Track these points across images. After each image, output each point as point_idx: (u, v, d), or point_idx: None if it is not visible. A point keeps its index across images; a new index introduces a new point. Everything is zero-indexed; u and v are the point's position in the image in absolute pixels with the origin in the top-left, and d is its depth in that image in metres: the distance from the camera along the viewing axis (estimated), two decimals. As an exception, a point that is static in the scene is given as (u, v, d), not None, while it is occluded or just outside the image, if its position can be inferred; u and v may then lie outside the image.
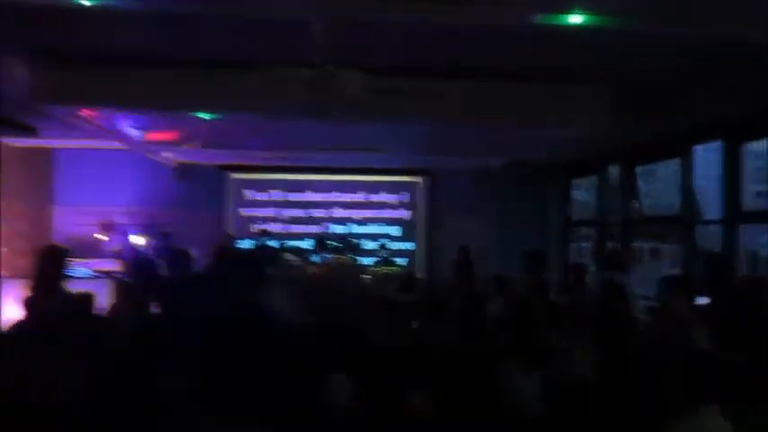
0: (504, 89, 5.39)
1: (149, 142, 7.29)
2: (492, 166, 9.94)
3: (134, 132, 6.64)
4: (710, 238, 7.78)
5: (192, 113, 5.45)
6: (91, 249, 9.74)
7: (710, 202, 8.49)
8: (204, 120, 5.71)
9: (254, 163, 10.28)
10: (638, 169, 9.54)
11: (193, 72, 4.93)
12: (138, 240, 9.49)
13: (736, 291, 4.78)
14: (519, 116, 5.65)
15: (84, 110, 5.49)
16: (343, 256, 9.00)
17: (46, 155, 10.25)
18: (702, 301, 4.42)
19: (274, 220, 10.94)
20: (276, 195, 10.99)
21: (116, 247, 8.99)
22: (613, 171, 9.60)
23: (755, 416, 3.35)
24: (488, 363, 3.30)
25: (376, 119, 5.60)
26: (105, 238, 9.73)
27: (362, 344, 4.23)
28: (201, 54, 4.82)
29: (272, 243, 9.54)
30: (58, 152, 10.34)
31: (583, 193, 12.51)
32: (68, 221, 10.27)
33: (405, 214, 11.14)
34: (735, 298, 4.36)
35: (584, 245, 12.10)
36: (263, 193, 10.99)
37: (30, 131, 8.19)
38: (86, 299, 4.76)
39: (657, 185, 13.71)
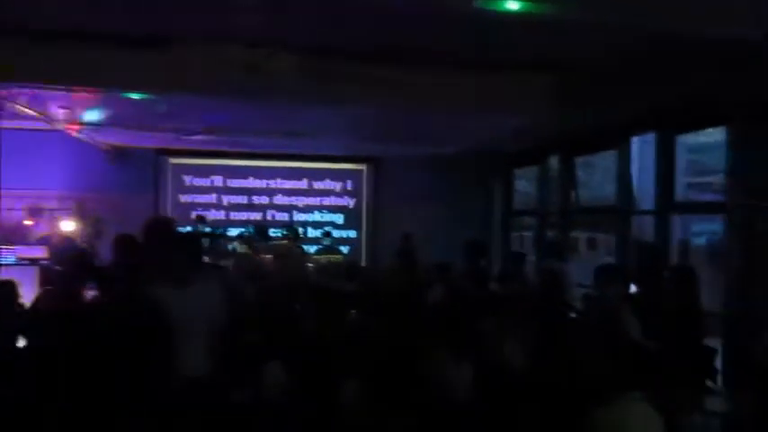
0: (443, 76, 5.33)
1: (77, 123, 6.92)
2: (437, 154, 9.94)
3: (61, 113, 6.29)
4: (646, 228, 8.01)
5: (122, 93, 5.18)
6: (18, 235, 9.27)
7: (646, 193, 8.74)
8: (135, 100, 5.44)
9: (193, 147, 9.95)
10: (578, 160, 9.75)
11: (122, 49, 4.66)
12: (68, 226, 9.08)
13: (664, 280, 4.91)
14: (457, 104, 5.61)
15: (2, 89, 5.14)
16: (289, 244, 8.87)
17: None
18: (635, 289, 4.52)
19: (216, 206, 10.66)
20: (217, 181, 10.70)
21: (43, 232, 8.57)
22: (553, 161, 9.76)
23: (678, 400, 3.43)
24: (419, 351, 3.26)
25: (311, 102, 5.44)
26: (32, 224, 9.28)
27: (297, 333, 4.16)
28: (130, 30, 4.56)
29: (211, 230, 9.30)
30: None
31: (525, 183, 12.72)
32: (-2, 206, 9.73)
33: (349, 202, 11.04)
34: (663, 286, 4.46)
35: (526, 234, 12.32)
36: (204, 179, 10.68)
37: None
38: (8, 287, 4.50)
39: (596, 176, 14.09)
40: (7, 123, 8.36)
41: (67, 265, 7.03)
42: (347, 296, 5.65)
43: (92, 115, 6.44)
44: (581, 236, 9.52)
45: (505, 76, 5.51)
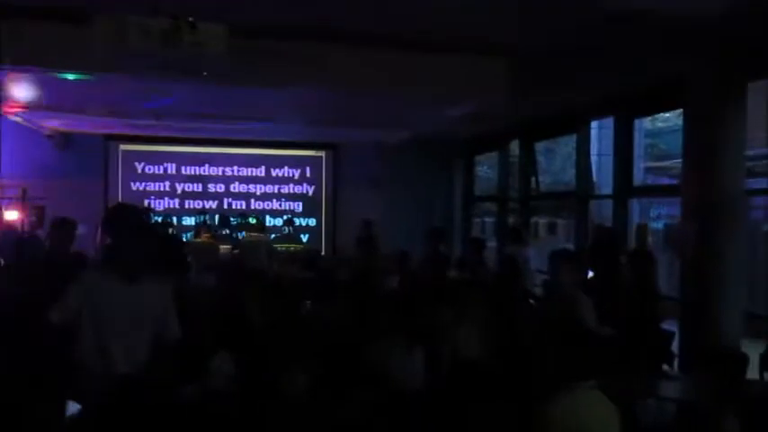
0: (395, 57, 5.15)
1: (11, 105, 6.53)
2: (396, 140, 9.77)
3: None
4: (604, 212, 8.02)
5: (54, 73, 4.86)
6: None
7: (604, 177, 8.77)
8: (69, 81, 5.12)
9: (145, 134, 9.59)
10: (538, 145, 9.72)
11: (35, 22, 4.27)
12: (12, 215, 8.65)
13: (621, 264, 4.87)
14: (407, 87, 5.43)
15: None
16: (254, 233, 8.63)
17: None
18: (592, 274, 4.46)
19: (170, 194, 10.32)
20: (171, 169, 10.34)
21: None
22: (514, 147, 9.71)
23: (634, 386, 3.37)
24: (369, 340, 3.12)
25: (244, 83, 5.19)
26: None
27: (247, 323, 3.98)
28: (44, 3, 4.20)
29: (158, 219, 8.98)
30: None
31: (486, 168, 12.69)
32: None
33: (308, 189, 10.81)
34: (620, 270, 4.41)
35: (487, 220, 12.31)
36: (157, 166, 10.31)
37: None
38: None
39: (557, 162, 14.17)
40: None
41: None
42: (303, 285, 5.51)
43: (22, 96, 6.06)
44: (541, 221, 9.53)
45: (458, 60, 5.35)
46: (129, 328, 3.16)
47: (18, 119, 7.72)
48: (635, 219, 7.92)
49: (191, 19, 3.14)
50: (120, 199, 9.86)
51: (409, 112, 7.80)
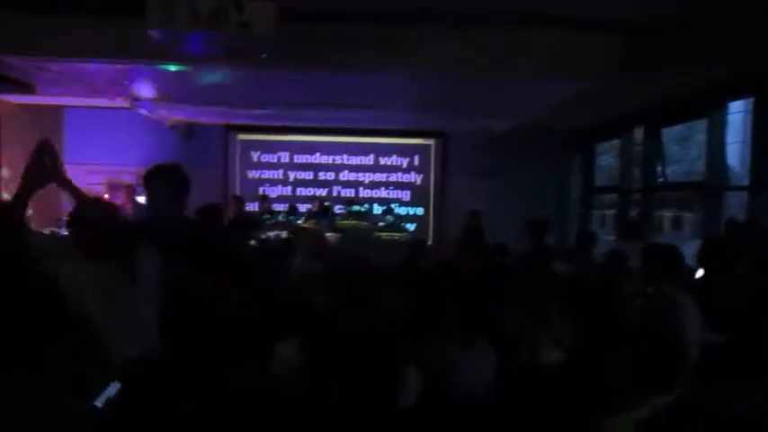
0: (496, 37, 4.82)
1: (137, 99, 7.01)
2: (507, 127, 9.35)
3: (115, 88, 6.36)
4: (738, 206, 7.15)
5: (160, 66, 5.10)
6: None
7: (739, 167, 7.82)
8: (173, 72, 5.36)
9: (260, 123, 9.95)
10: (671, 133, 8.89)
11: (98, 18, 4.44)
12: (142, 200, 9.36)
13: (745, 263, 4.25)
14: (514, 68, 5.05)
15: (51, 63, 5.21)
16: (357, 222, 8.71)
17: (58, 113, 10.15)
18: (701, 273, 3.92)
19: (283, 182, 10.66)
20: (284, 157, 10.68)
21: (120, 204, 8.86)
22: (638, 134, 8.94)
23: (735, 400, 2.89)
24: (429, 335, 2.93)
25: (345, 69, 5.09)
26: (110, 197, 9.63)
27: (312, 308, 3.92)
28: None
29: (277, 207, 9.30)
30: (68, 110, 10.24)
31: (609, 158, 11.85)
32: (77, 180, 10.20)
33: (416, 178, 10.69)
34: (740, 270, 3.84)
35: (608, 213, 11.52)
36: (271, 155, 10.68)
37: (27, 88, 8.05)
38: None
39: (692, 151, 12.91)
40: (78, 101, 8.72)
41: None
42: (389, 274, 5.38)
43: (143, 90, 6.47)
44: (666, 215, 8.71)
45: (567, 37, 4.90)
46: None
47: (143, 111, 8.28)
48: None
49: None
50: (237, 187, 10.34)
51: (518, 97, 7.39)
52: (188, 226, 3.24)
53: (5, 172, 8.73)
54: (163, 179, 3.12)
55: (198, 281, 3.03)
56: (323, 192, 10.43)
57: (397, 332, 2.81)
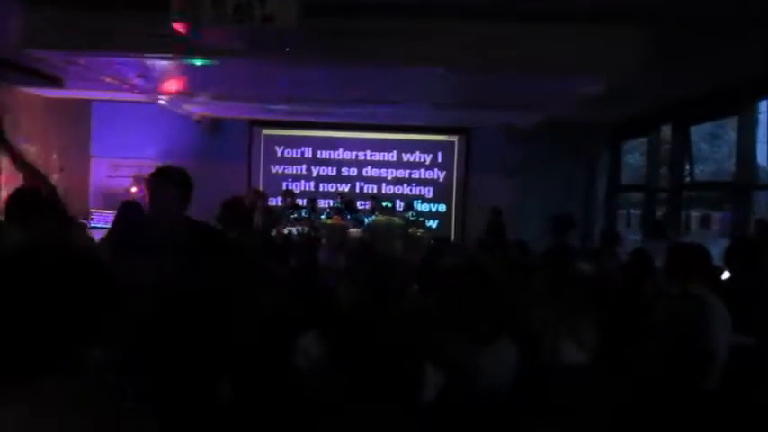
0: (517, 31, 4.75)
1: (162, 93, 7.07)
2: (531, 124, 9.25)
3: (141, 82, 6.42)
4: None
5: (185, 60, 5.14)
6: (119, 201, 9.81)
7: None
8: (198, 66, 5.39)
9: (284, 119, 9.98)
10: (701, 131, 8.72)
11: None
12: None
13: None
14: (534, 63, 4.97)
15: (79, 57, 5.27)
16: (385, 217, 8.69)
17: (85, 107, 10.30)
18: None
19: (305, 177, 10.69)
20: (307, 153, 10.71)
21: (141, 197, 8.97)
22: (666, 132, 8.79)
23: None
24: (449, 331, 2.90)
25: (367, 63, 5.06)
26: (136, 191, 9.76)
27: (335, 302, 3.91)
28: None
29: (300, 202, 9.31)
30: (94, 104, 10.38)
31: (637, 156, 11.67)
32: (103, 173, 10.37)
33: (438, 174, 10.63)
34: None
35: (633, 212, 11.35)
36: (295, 150, 10.72)
37: (56, 82, 8.18)
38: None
39: (722, 149, 12.66)
40: (105, 95, 8.83)
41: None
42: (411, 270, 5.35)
43: (170, 84, 6.53)
44: (694, 214, 8.54)
45: (592, 30, 4.81)
46: None
47: (169, 105, 8.35)
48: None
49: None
50: (260, 181, 10.39)
51: (545, 93, 7.29)
52: (188, 226, 3.25)
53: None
54: (164, 180, 3.16)
55: (199, 277, 3.05)
56: (345, 187, 10.42)
57: (419, 328, 2.79)
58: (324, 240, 8.14)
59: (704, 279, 3.15)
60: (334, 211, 9.09)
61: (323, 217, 9.37)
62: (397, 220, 8.40)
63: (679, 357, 2.35)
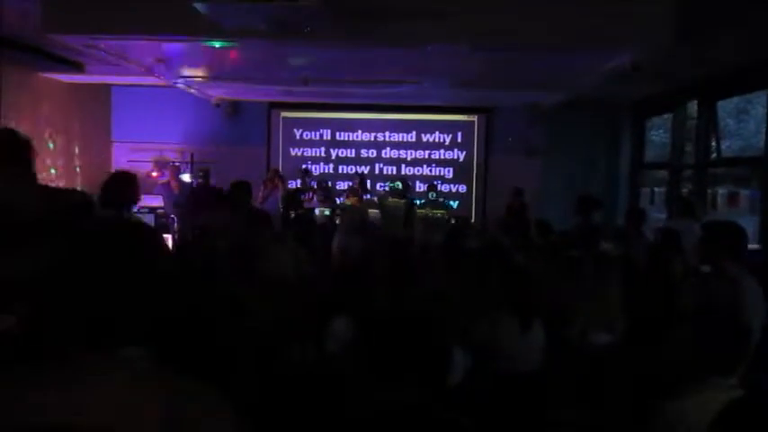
0: (543, 6, 4.63)
1: (181, 76, 7.05)
2: (552, 102, 9.10)
3: (160, 66, 6.41)
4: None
5: (203, 42, 5.10)
6: (144, 185, 9.88)
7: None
8: (216, 48, 5.36)
9: (303, 100, 9.93)
10: (728, 106, 8.50)
11: None
12: (186, 177, 9.50)
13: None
14: (557, 38, 4.85)
15: (100, 41, 5.26)
16: (395, 199, 8.65)
17: (105, 91, 10.34)
18: None
19: (325, 159, 10.66)
20: (326, 135, 10.66)
21: (163, 181, 9.03)
22: (691, 107, 8.59)
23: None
24: (479, 314, 2.88)
25: (387, 43, 4.96)
26: (157, 175, 9.81)
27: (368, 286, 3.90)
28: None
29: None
30: (114, 89, 10.42)
31: (661, 132, 11.44)
32: (124, 157, 10.43)
33: (458, 155, 10.53)
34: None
35: (657, 189, 11.16)
36: (313, 132, 10.68)
37: (76, 67, 8.21)
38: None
39: (750, 125, 12.35)
40: (125, 80, 8.85)
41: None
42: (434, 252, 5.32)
43: (189, 67, 6.50)
44: (721, 191, 8.35)
45: (625, 3, 4.68)
46: None
47: (188, 88, 8.34)
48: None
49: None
50: (280, 164, 10.38)
51: (569, 70, 7.14)
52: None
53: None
54: None
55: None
56: (365, 169, 10.37)
57: (446, 310, 2.77)
58: (340, 222, 8.07)
59: (739, 258, 3.08)
60: (351, 192, 9.01)
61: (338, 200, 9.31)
62: (402, 201, 8.33)
63: (712, 335, 2.29)
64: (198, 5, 3.40)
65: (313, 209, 8.72)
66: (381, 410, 2.34)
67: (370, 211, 8.53)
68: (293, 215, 8.05)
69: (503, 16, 4.88)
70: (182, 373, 1.27)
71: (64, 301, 1.18)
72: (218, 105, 9.97)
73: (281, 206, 8.40)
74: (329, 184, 9.69)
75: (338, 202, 9.40)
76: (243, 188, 5.47)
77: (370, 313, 3.33)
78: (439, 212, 8.87)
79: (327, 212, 8.77)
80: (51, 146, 8.88)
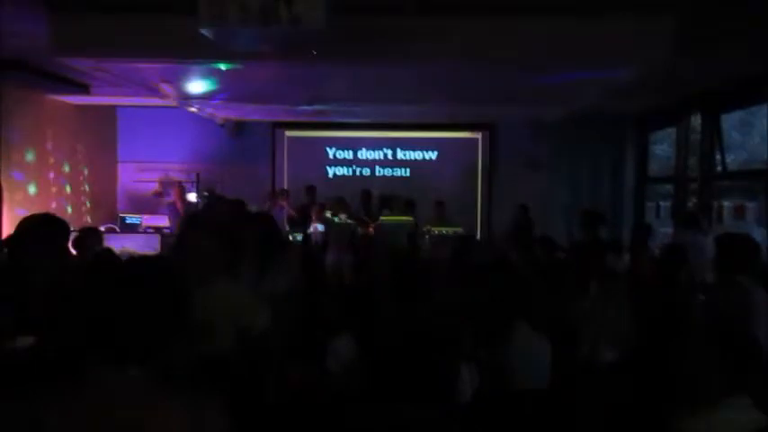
0: (545, 23, 4.66)
1: (186, 97, 7.10)
2: (556, 117, 9.12)
3: (166, 87, 6.46)
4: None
5: (209, 64, 5.15)
6: (150, 205, 9.94)
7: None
8: (222, 70, 5.40)
9: (306, 120, 9.98)
10: (732, 119, 8.49)
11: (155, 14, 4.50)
12: (192, 197, 9.53)
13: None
14: (560, 54, 4.87)
15: (105, 62, 5.32)
16: (395, 216, 8.67)
17: (110, 112, 10.42)
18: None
19: (327, 178, 10.69)
20: (330, 153, 10.72)
21: (169, 201, 9.05)
22: (695, 121, 8.59)
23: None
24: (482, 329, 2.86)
25: (388, 60, 4.99)
26: (162, 193, 9.87)
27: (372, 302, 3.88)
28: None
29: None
30: (119, 109, 10.50)
31: (665, 146, 11.44)
32: (130, 177, 10.49)
33: (463, 171, 10.52)
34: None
35: (662, 204, 11.14)
36: (318, 150, 10.71)
37: (82, 89, 8.29)
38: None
39: (754, 137, 12.33)
40: (131, 100, 8.92)
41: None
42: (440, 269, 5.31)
43: (195, 88, 6.55)
44: (726, 204, 8.32)
45: (619, 20, 4.71)
46: None
47: (193, 109, 8.40)
48: None
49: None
50: (285, 182, 10.41)
51: (572, 85, 7.16)
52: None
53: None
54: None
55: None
56: (369, 187, 10.37)
57: (452, 327, 2.76)
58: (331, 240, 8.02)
59: (752, 271, 3.05)
60: (338, 206, 8.92)
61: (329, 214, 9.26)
62: (404, 218, 8.34)
63: (723, 352, 2.26)
64: (204, 31, 3.44)
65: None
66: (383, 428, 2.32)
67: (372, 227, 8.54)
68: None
69: (504, 32, 4.92)
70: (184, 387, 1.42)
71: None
72: (222, 125, 10.04)
73: (286, 225, 8.41)
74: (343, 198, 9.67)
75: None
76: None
77: (374, 331, 3.31)
78: (445, 229, 8.87)
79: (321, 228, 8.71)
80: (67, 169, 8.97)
